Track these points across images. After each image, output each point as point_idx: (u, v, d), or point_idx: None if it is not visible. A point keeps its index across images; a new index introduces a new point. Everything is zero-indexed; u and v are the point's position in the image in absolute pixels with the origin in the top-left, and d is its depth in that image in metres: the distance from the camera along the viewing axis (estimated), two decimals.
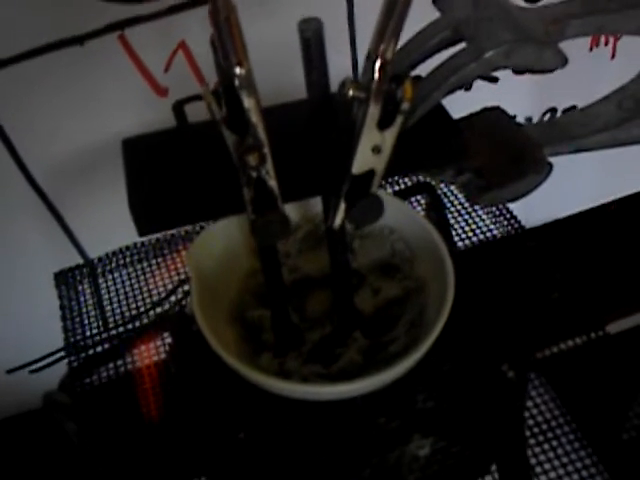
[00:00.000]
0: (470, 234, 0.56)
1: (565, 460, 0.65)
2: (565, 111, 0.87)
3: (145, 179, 0.35)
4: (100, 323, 0.54)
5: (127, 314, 0.54)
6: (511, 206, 0.91)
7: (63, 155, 0.68)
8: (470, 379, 0.48)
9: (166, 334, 0.52)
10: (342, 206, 0.34)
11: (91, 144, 0.69)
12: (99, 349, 0.51)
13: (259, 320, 0.48)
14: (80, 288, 0.55)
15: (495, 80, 0.81)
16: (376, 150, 0.32)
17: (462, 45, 0.35)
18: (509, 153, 0.40)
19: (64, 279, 0.55)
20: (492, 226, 0.55)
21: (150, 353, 0.51)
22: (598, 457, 0.68)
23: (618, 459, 0.67)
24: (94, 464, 0.47)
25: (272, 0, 0.66)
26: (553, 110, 0.87)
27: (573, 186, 0.97)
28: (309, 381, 0.45)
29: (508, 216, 0.56)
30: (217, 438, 0.46)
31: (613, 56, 0.91)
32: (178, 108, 0.71)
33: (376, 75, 0.30)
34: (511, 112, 0.85)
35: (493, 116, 0.42)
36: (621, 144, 0.41)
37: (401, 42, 0.35)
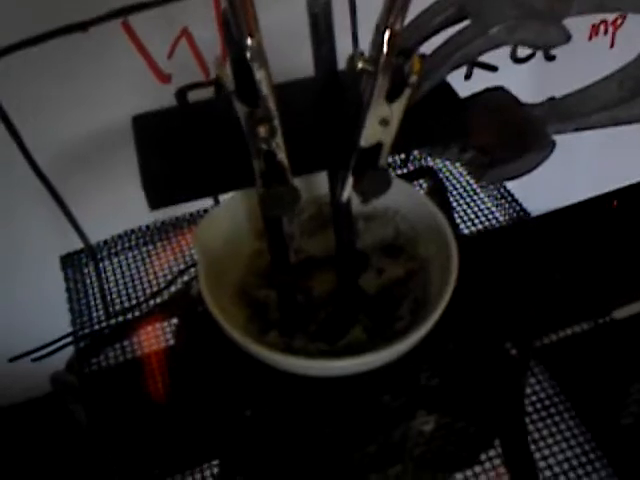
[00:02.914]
0: (473, 217, 0.56)
1: (564, 446, 0.66)
2: None
3: (156, 153, 0.36)
4: (101, 306, 0.55)
5: (133, 296, 0.54)
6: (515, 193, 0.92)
7: (66, 141, 0.69)
8: (474, 357, 0.48)
9: (172, 316, 0.52)
10: (350, 179, 0.35)
11: (94, 130, 0.70)
12: (106, 331, 0.51)
13: (265, 300, 0.49)
14: (86, 271, 0.55)
15: (494, 69, 0.82)
16: (384, 123, 0.33)
17: (467, 22, 0.36)
18: (512, 130, 0.40)
19: (70, 262, 0.55)
20: (495, 209, 0.56)
21: (156, 335, 0.51)
22: (597, 442, 0.69)
23: (616, 444, 0.67)
24: (102, 446, 0.48)
25: None
26: (554, 99, 0.88)
27: (577, 174, 0.98)
28: (314, 357, 0.45)
29: (510, 199, 0.56)
30: (224, 416, 0.46)
31: (612, 45, 0.92)
32: (181, 95, 0.71)
33: (385, 47, 0.30)
34: None
35: (496, 95, 0.42)
36: (621, 123, 0.42)
37: (408, 19, 0.36)
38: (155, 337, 0.51)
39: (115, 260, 0.56)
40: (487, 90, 0.43)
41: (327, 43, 0.34)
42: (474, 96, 0.43)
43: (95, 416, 0.48)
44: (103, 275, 0.54)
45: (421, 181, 0.60)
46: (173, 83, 0.69)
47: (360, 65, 0.31)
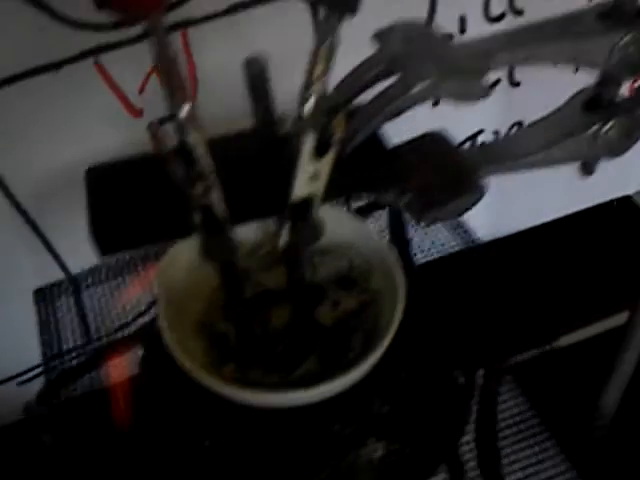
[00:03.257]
0: (430, 247, 0.59)
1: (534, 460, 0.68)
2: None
3: (106, 203, 0.38)
4: (81, 336, 0.57)
5: (102, 328, 0.56)
6: (472, 219, 0.94)
7: (43, 174, 0.71)
8: (424, 384, 0.51)
9: (139, 347, 0.54)
10: (286, 228, 0.37)
11: (71, 162, 0.72)
12: (75, 362, 0.53)
13: (225, 332, 0.51)
14: (58, 304, 0.57)
15: None
16: (313, 178, 0.35)
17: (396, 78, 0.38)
18: (447, 174, 0.43)
19: (43, 295, 0.58)
20: (450, 239, 0.58)
21: (123, 365, 0.53)
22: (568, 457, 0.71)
23: (585, 457, 0.70)
24: (69, 474, 0.50)
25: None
26: (520, 124, 0.90)
27: (538, 197, 1.00)
28: (269, 389, 0.48)
29: (464, 229, 0.59)
30: (184, 446, 0.49)
31: (577, 70, 0.94)
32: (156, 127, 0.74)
33: (309, 111, 0.33)
34: (478, 126, 0.89)
35: (434, 140, 0.45)
36: (554, 164, 0.44)
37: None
38: (122, 368, 0.53)
39: (87, 293, 0.58)
40: (426, 135, 0.45)
41: (264, 103, 0.37)
42: (414, 140, 0.45)
43: (63, 445, 0.50)
44: (73, 308, 0.56)
45: (381, 212, 0.62)
46: (145, 117, 0.72)
47: (287, 127, 0.33)
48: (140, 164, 0.42)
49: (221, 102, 0.60)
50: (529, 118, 0.92)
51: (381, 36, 0.40)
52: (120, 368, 0.53)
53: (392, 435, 0.49)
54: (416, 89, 0.36)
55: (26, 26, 0.61)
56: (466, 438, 0.62)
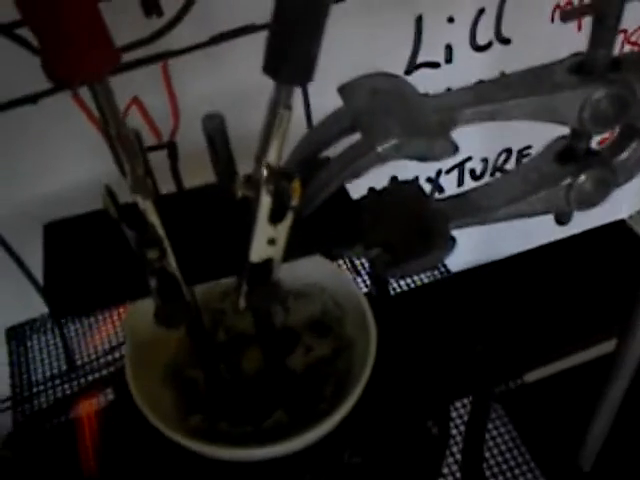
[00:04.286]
0: (403, 284, 0.58)
1: None
2: (519, 152, 0.89)
3: (62, 263, 0.37)
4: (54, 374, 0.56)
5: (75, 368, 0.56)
6: (463, 244, 0.93)
7: (22, 206, 0.70)
8: (396, 435, 0.50)
9: (109, 390, 0.54)
10: (244, 290, 0.36)
11: (50, 193, 0.71)
12: (44, 405, 0.53)
13: (195, 379, 0.50)
14: (29, 344, 0.57)
15: None
16: (271, 242, 0.34)
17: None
18: (416, 228, 0.42)
19: (15, 334, 0.57)
20: (423, 276, 0.58)
21: (93, 408, 0.53)
22: None
23: None
24: None
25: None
26: (508, 151, 0.89)
27: (529, 221, 0.99)
28: (238, 441, 0.47)
29: (440, 265, 0.58)
30: None
31: None
32: None
33: (263, 178, 0.32)
34: (467, 153, 0.88)
35: (405, 190, 0.44)
36: (525, 216, 0.43)
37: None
38: (92, 411, 0.53)
39: (58, 332, 0.57)
40: (397, 184, 0.44)
41: (224, 160, 0.36)
42: (384, 190, 0.44)
43: None
44: (43, 348, 0.55)
45: None
46: None
47: (240, 192, 0.32)
48: (101, 220, 0.41)
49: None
50: (517, 145, 0.92)
51: (346, 90, 0.39)
52: (90, 410, 0.52)
53: None
54: (378, 150, 0.35)
55: (6, 60, 0.60)
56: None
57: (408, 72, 0.77)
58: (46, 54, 0.27)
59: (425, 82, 0.77)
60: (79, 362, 0.57)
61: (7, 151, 0.65)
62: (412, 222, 0.42)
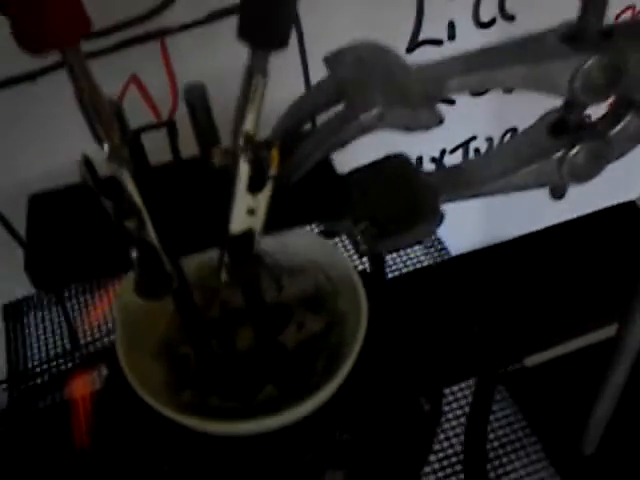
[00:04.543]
0: (401, 265, 0.57)
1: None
2: None
3: (45, 233, 0.37)
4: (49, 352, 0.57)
5: (68, 346, 0.56)
6: (471, 224, 0.93)
7: (21, 183, 0.71)
8: (387, 411, 0.49)
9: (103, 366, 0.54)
10: (226, 262, 0.36)
11: (51, 171, 0.72)
12: (40, 380, 0.53)
13: (186, 355, 0.50)
14: (26, 321, 0.57)
15: (452, 102, 0.82)
16: (251, 212, 0.34)
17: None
18: (404, 202, 0.41)
19: (12, 311, 0.57)
20: (423, 257, 0.57)
21: (88, 384, 0.53)
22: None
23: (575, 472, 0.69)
24: None
25: None
26: (514, 130, 0.88)
27: (538, 202, 0.98)
28: (229, 416, 0.47)
29: (439, 247, 0.57)
30: (143, 470, 0.48)
31: None
32: (135, 137, 0.73)
33: (240, 147, 0.32)
34: (471, 133, 0.87)
35: (395, 163, 0.43)
36: (517, 189, 0.43)
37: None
38: (86, 387, 0.53)
39: (54, 309, 0.57)
40: (387, 157, 0.43)
41: (207, 131, 0.36)
42: (374, 163, 0.44)
43: (24, 464, 0.50)
44: (39, 325, 0.56)
45: None
46: None
47: (217, 161, 0.32)
48: (88, 192, 0.41)
49: None
50: (523, 124, 0.90)
51: (331, 60, 0.38)
52: (84, 386, 0.52)
53: (353, 463, 0.47)
54: (360, 119, 0.35)
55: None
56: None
57: (410, 49, 0.76)
58: (15, 20, 0.27)
59: (428, 59, 0.76)
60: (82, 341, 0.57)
61: (7, 125, 0.65)
62: (400, 195, 0.42)
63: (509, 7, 0.76)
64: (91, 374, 0.54)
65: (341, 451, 0.48)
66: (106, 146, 0.31)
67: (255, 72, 0.30)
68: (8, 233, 0.68)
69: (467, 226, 0.94)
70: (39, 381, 0.54)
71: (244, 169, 0.32)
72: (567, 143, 0.42)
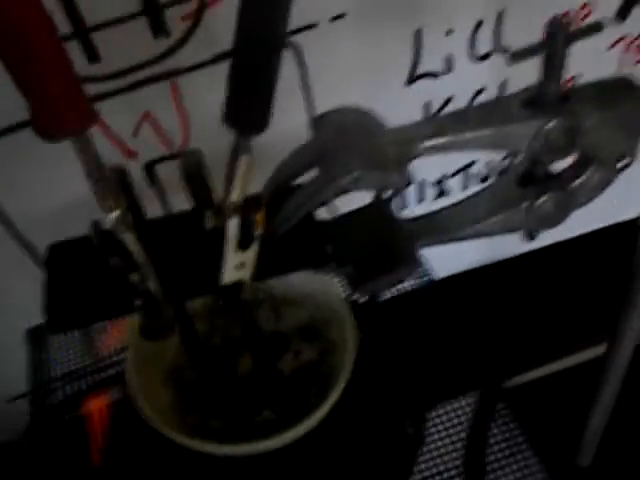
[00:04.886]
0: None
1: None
2: None
3: (62, 283, 0.42)
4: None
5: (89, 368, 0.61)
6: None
7: (45, 213, 0.76)
8: (374, 435, 0.54)
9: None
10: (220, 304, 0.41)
11: (72, 200, 0.77)
12: (58, 400, 0.58)
13: (192, 382, 0.55)
14: (50, 342, 0.62)
15: None
16: (240, 266, 0.39)
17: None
18: (384, 247, 0.46)
19: (34, 335, 0.62)
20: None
21: (104, 404, 0.58)
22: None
23: None
24: None
25: None
26: (513, 155, 0.92)
27: None
28: (230, 439, 0.51)
29: (424, 269, 0.62)
30: None
31: None
32: (148, 168, 0.78)
33: (229, 214, 0.36)
34: (471, 157, 0.90)
35: (376, 209, 0.48)
36: (486, 235, 0.47)
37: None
38: (102, 406, 0.58)
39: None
40: (370, 204, 0.48)
41: (202, 194, 0.40)
42: (358, 210, 0.48)
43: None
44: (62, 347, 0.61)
45: None
46: (139, 158, 0.76)
47: (210, 224, 0.37)
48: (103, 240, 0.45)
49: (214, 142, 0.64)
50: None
51: (317, 122, 0.43)
52: (99, 408, 0.57)
53: None
54: (337, 182, 0.39)
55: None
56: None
57: (409, 82, 0.80)
58: (34, 114, 0.32)
59: (427, 92, 0.80)
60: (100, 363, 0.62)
61: (28, 162, 0.70)
62: (381, 242, 0.46)
63: (505, 40, 0.80)
64: (107, 395, 0.59)
65: (331, 471, 0.52)
66: (113, 215, 0.35)
67: (240, 152, 0.35)
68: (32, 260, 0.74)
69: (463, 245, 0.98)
70: (59, 399, 0.59)
71: (232, 232, 0.37)
72: (535, 193, 0.46)
